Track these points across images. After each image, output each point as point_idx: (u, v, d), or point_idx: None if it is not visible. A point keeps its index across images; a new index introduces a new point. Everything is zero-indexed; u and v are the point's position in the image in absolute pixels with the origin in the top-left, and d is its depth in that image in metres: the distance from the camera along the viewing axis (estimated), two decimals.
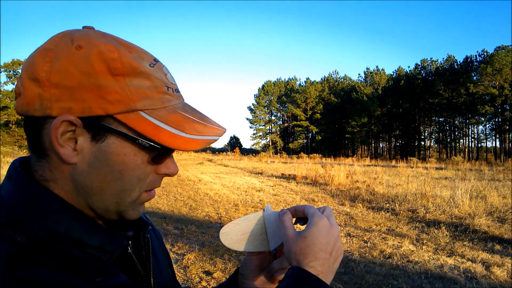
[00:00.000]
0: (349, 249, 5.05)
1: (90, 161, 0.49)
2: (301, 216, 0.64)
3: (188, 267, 4.22)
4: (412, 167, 21.00)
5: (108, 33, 0.52)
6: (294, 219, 0.66)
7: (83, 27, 0.53)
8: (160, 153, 0.51)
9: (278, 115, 73.38)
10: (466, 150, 54.19)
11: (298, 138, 70.46)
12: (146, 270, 0.60)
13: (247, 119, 73.40)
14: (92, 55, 0.46)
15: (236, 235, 0.65)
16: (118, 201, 0.51)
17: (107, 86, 0.46)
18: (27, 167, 0.53)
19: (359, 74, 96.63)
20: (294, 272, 0.54)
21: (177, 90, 0.55)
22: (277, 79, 72.34)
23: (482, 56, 49.29)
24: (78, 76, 0.46)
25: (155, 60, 0.53)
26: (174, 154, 0.57)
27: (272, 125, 73.07)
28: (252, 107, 71.70)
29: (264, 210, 0.67)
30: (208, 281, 3.83)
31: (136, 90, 0.48)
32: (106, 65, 0.46)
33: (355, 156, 46.77)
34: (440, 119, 55.86)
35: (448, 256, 4.74)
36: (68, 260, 0.46)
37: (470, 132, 55.14)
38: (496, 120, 49.03)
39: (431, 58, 56.92)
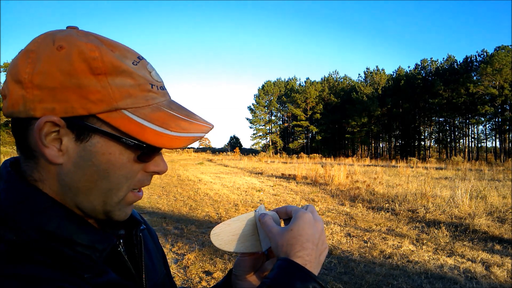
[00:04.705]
0: (349, 249, 5.05)
1: (75, 161, 0.49)
2: (284, 216, 0.65)
3: (188, 267, 4.22)
4: (412, 167, 20.99)
5: (92, 32, 0.51)
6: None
7: (67, 27, 0.52)
8: (145, 152, 0.51)
9: (278, 115, 73.41)
10: (466, 150, 54.19)
11: (298, 138, 70.46)
12: (138, 268, 0.60)
13: (247, 119, 73.48)
14: (72, 55, 0.46)
15: (227, 235, 0.65)
16: (105, 201, 0.51)
17: (88, 86, 0.46)
18: (18, 167, 0.53)
19: (359, 74, 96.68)
20: (281, 263, 0.55)
21: (162, 88, 0.55)
22: (277, 79, 72.36)
23: (482, 56, 49.29)
24: (59, 77, 0.46)
25: (139, 57, 0.53)
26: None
27: (272, 125, 73.08)
28: (252, 107, 71.72)
29: (256, 211, 0.67)
30: (208, 281, 3.83)
31: (118, 89, 0.48)
32: (87, 64, 0.46)
33: (355, 156, 46.75)
34: (440, 119, 55.88)
35: (448, 256, 4.74)
36: (58, 258, 0.46)
37: (470, 132, 55.16)
38: (496, 120, 49.03)
39: (431, 58, 57.00)
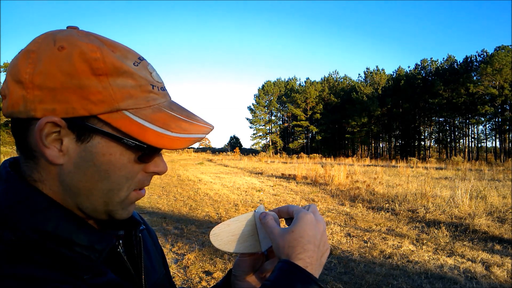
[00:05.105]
0: (349, 249, 5.05)
1: (76, 161, 0.49)
2: (286, 216, 0.65)
3: (188, 267, 4.22)
4: (412, 167, 20.98)
5: (92, 33, 0.51)
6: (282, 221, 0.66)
7: (67, 27, 0.52)
8: (146, 152, 0.51)
9: (278, 115, 73.42)
10: (466, 150, 54.19)
11: (298, 138, 70.47)
12: (138, 269, 0.60)
13: (247, 119, 73.49)
14: (74, 55, 0.46)
15: (226, 236, 0.65)
16: (106, 201, 0.51)
17: (89, 87, 0.46)
18: (18, 168, 0.53)
19: (359, 74, 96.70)
20: (282, 265, 0.55)
21: (163, 88, 0.55)
22: (277, 79, 72.37)
23: (482, 56, 49.28)
24: (60, 77, 0.46)
25: (140, 58, 0.53)
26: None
27: (272, 125, 73.08)
28: (252, 107, 71.73)
29: (255, 211, 0.67)
30: (208, 281, 3.83)
31: (119, 90, 0.48)
32: (88, 65, 0.46)
33: (355, 156, 46.73)
34: (440, 119, 55.88)
35: (448, 256, 4.74)
36: (57, 258, 0.46)
37: (470, 132, 55.16)
38: (496, 120, 49.03)
39: (431, 58, 56.99)
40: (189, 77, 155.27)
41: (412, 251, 4.96)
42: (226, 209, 7.88)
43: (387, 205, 8.13)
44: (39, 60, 0.46)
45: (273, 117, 73.10)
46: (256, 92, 77.86)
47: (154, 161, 0.55)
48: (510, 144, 48.66)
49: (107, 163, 0.49)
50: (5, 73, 0.51)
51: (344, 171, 12.98)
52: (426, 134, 59.37)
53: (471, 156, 50.66)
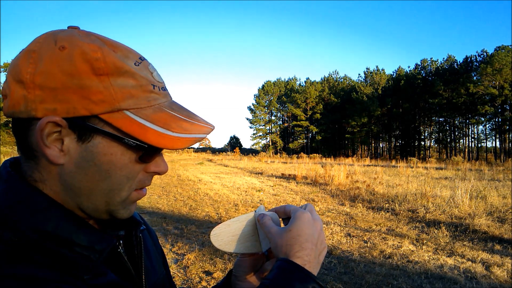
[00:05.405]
0: (349, 249, 5.05)
1: (77, 161, 0.49)
2: (283, 216, 0.65)
3: (188, 267, 4.22)
4: (412, 167, 20.99)
5: (93, 33, 0.51)
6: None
7: (68, 27, 0.52)
8: (147, 152, 0.51)
9: (278, 115, 73.40)
10: (466, 150, 54.18)
11: (298, 138, 70.45)
12: (138, 269, 0.60)
13: (247, 119, 73.48)
14: (75, 55, 0.46)
15: (227, 236, 0.65)
16: (107, 201, 0.51)
17: (91, 86, 0.46)
18: (18, 168, 0.53)
19: (359, 74, 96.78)
20: (281, 263, 0.55)
21: (163, 88, 0.55)
22: (277, 79, 72.35)
23: (482, 56, 49.28)
24: (61, 77, 0.46)
25: (141, 58, 0.53)
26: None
27: (272, 125, 73.07)
28: (252, 107, 71.72)
29: (255, 211, 0.67)
30: (208, 281, 3.82)
31: (120, 90, 0.48)
32: (89, 65, 0.46)
33: (355, 156, 46.69)
34: (440, 119, 55.88)
35: (448, 256, 4.74)
36: (57, 258, 0.46)
37: (470, 132, 55.15)
38: (496, 120, 49.02)
39: (431, 58, 56.98)
40: (189, 77, 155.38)
41: (412, 251, 4.96)
42: (226, 209, 7.88)
43: (387, 205, 8.13)
44: (40, 60, 0.46)
45: (273, 117, 73.12)
46: (256, 92, 77.91)
47: (155, 161, 0.55)
48: (510, 144, 48.65)
49: (108, 163, 0.49)
50: (6, 73, 0.51)
51: (344, 171, 12.99)
52: (426, 134, 59.37)
53: (471, 156, 50.65)
